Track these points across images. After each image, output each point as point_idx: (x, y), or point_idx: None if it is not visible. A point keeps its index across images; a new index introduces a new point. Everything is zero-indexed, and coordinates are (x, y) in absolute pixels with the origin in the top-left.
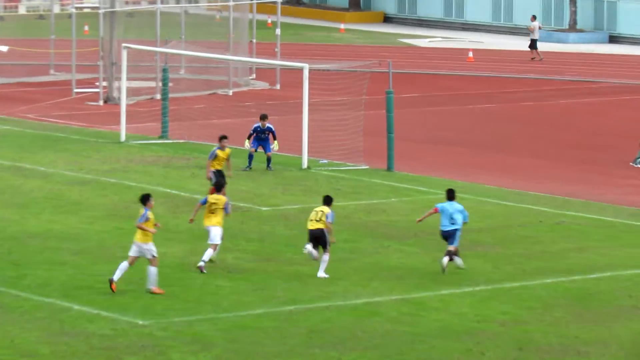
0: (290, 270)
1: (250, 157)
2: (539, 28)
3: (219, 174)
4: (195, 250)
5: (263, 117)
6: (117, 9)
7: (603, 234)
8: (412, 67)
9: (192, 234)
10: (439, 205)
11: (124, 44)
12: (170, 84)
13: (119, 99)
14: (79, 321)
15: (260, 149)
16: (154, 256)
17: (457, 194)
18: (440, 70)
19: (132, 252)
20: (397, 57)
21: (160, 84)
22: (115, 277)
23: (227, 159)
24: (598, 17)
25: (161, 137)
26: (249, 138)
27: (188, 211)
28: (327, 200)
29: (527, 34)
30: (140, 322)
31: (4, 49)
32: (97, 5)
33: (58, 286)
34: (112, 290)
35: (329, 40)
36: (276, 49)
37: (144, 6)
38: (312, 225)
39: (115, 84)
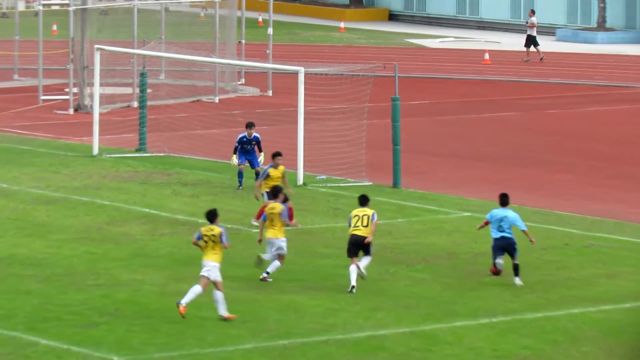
0: (283, 300)
1: (240, 174)
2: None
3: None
4: (176, 277)
5: (249, 125)
6: (89, 6)
7: (637, 258)
8: (420, 71)
9: (173, 258)
10: (488, 215)
11: (96, 45)
12: (148, 90)
13: (91, 107)
14: (47, 357)
15: (247, 163)
16: (216, 279)
17: (472, 213)
18: (453, 75)
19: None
20: (404, 60)
21: (137, 90)
22: (184, 300)
23: (283, 177)
24: (629, 14)
25: (138, 150)
26: (235, 152)
27: (168, 233)
28: (365, 200)
29: (549, 34)
30: (116, 359)
31: None
32: (66, 2)
33: (23, 318)
34: (182, 315)
35: (327, 40)
36: (268, 51)
37: (119, 3)
38: (358, 231)
39: (87, 90)
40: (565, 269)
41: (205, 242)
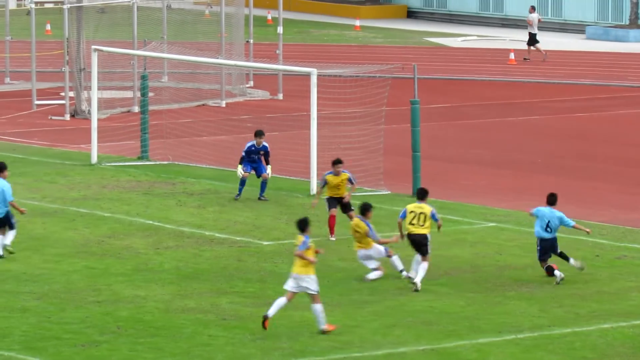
0: (296, 316)
1: (242, 183)
2: (539, 21)
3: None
4: (182, 293)
5: (258, 134)
6: (86, 4)
7: None
8: (441, 72)
9: (178, 273)
10: (535, 210)
11: (94, 46)
12: (150, 94)
13: (89, 112)
14: None
15: (252, 172)
16: (314, 292)
17: (497, 223)
18: (476, 76)
19: (290, 286)
20: (424, 60)
21: (138, 94)
22: (271, 312)
23: (346, 183)
24: None
25: (140, 158)
26: (241, 162)
27: (173, 246)
28: (423, 194)
29: (579, 32)
30: None
31: None
32: None
33: (19, 337)
34: (264, 328)
35: (341, 39)
36: (278, 51)
37: (118, 0)
38: (417, 230)
39: (84, 94)
40: (595, 282)
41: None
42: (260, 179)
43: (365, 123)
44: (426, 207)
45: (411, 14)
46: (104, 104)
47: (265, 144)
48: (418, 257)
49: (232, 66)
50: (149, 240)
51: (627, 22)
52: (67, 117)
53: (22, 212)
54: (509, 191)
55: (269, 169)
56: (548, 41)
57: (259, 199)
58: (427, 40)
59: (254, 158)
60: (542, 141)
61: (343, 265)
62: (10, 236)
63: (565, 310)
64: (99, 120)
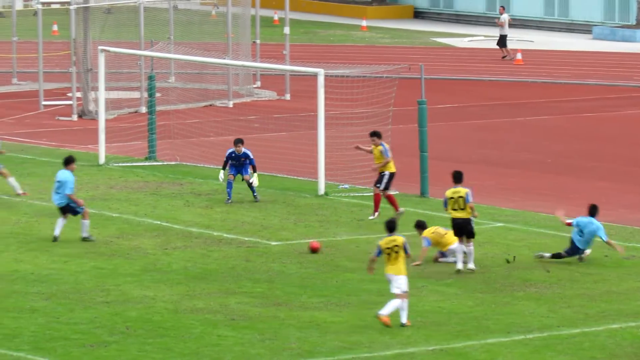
0: (305, 317)
1: (229, 185)
2: (509, 21)
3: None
4: (190, 293)
5: (236, 142)
6: (92, 4)
7: None
8: (448, 72)
9: (187, 273)
10: (575, 221)
11: (100, 47)
12: (157, 95)
13: (96, 113)
14: None
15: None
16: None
17: (506, 223)
18: (483, 76)
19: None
20: (431, 60)
21: (145, 94)
22: (386, 311)
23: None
24: None
25: (148, 159)
26: (223, 168)
27: (182, 247)
28: (460, 176)
29: (585, 31)
30: None
31: None
32: (67, 0)
33: (28, 337)
34: (386, 324)
35: (348, 40)
36: (285, 52)
37: (124, 1)
38: (458, 214)
39: (92, 95)
40: (604, 282)
41: (388, 254)
42: (246, 181)
43: (373, 123)
44: (462, 190)
45: (418, 14)
46: (111, 104)
47: (246, 151)
48: (459, 246)
49: (239, 66)
50: (157, 241)
51: (634, 23)
52: (75, 117)
53: (79, 205)
54: (517, 191)
55: (255, 178)
56: (555, 41)
57: (254, 199)
58: (434, 41)
59: (239, 162)
60: (550, 141)
61: (351, 265)
62: (84, 226)
63: (574, 311)
64: (106, 120)
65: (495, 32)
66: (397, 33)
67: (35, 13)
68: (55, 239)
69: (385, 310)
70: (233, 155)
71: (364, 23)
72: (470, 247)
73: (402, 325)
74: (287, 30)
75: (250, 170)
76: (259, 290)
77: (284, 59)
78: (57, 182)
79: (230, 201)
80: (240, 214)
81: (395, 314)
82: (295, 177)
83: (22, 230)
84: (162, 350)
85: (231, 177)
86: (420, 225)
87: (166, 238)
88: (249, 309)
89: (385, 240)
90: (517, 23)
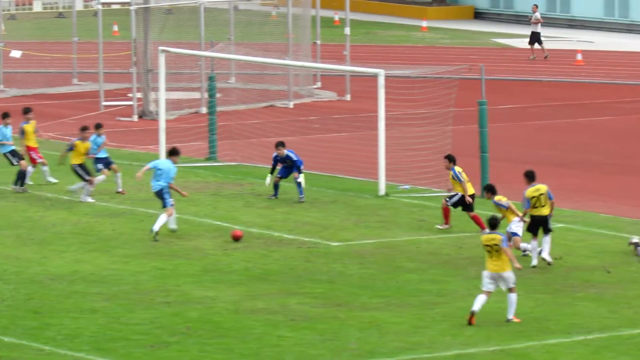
0: (365, 317)
1: (276, 186)
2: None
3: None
4: (251, 293)
5: (277, 145)
6: (152, 5)
7: None
8: (508, 73)
9: (247, 274)
10: None
11: (161, 47)
12: (218, 95)
13: (157, 113)
14: None
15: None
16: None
17: (565, 224)
18: (543, 77)
19: (487, 286)
20: (491, 61)
21: (206, 95)
22: (476, 307)
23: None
24: None
25: (208, 159)
26: (271, 172)
27: (242, 247)
28: (533, 175)
29: None
30: None
31: (17, 54)
32: (127, 0)
33: (88, 338)
34: (471, 324)
35: (408, 40)
36: (345, 52)
37: (185, 1)
38: (540, 212)
39: (152, 95)
40: None
41: (488, 252)
42: (296, 181)
43: (433, 124)
44: (542, 187)
45: (478, 15)
46: (171, 105)
47: (288, 153)
48: (534, 242)
49: (299, 67)
50: (218, 241)
51: None
52: (135, 118)
53: (183, 195)
54: (577, 192)
55: (301, 177)
56: (615, 42)
57: (299, 199)
58: (494, 41)
59: (287, 164)
60: (610, 142)
61: (412, 266)
62: (171, 221)
63: (634, 311)
64: (166, 121)
65: (555, 33)
66: (457, 34)
67: (95, 14)
68: (154, 232)
69: (511, 313)
70: (278, 158)
71: (424, 24)
72: (548, 238)
73: (508, 321)
74: (347, 30)
75: (296, 170)
76: (319, 290)
77: (344, 60)
78: (158, 169)
79: (273, 197)
80: (300, 214)
81: (486, 312)
82: (355, 178)
83: (82, 231)
84: (222, 351)
85: (277, 179)
86: (490, 189)
87: (226, 239)
88: (309, 309)
89: (486, 237)
90: (577, 24)
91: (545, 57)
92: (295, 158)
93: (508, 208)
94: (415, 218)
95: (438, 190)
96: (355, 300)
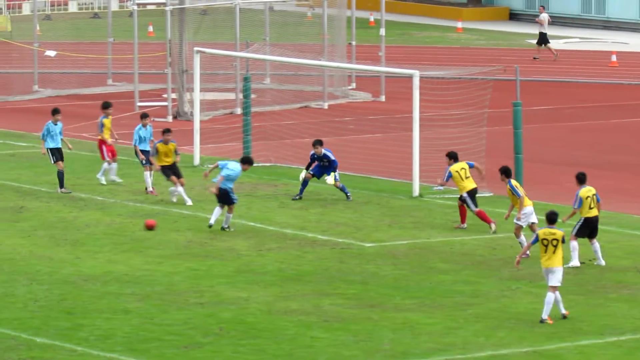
0: (399, 318)
1: (304, 183)
2: (549, 20)
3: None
4: (284, 294)
5: (314, 144)
6: (188, 5)
7: None
8: (543, 74)
9: (281, 275)
10: None
11: (196, 48)
12: (252, 96)
13: (192, 114)
14: None
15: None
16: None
17: (600, 226)
18: (578, 78)
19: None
20: (526, 62)
21: (240, 95)
22: (545, 313)
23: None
24: None
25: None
26: (306, 168)
27: (276, 248)
28: (584, 177)
29: None
30: None
31: (52, 54)
32: (163, 1)
33: (121, 338)
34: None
35: (443, 41)
36: (380, 53)
37: (220, 2)
38: (592, 213)
39: (187, 96)
40: None
41: (545, 245)
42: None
43: (467, 125)
44: (593, 189)
45: (513, 16)
46: (206, 105)
47: (326, 152)
48: (596, 242)
49: (334, 68)
50: (251, 242)
51: None
52: (170, 118)
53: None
54: (611, 193)
55: (330, 177)
56: None
57: (346, 198)
58: (529, 43)
59: (324, 164)
60: None
61: (445, 267)
62: (227, 219)
63: None
64: (201, 121)
65: (590, 34)
66: (492, 35)
67: (130, 14)
68: (210, 226)
69: (545, 313)
70: (315, 157)
71: (459, 25)
72: (596, 243)
73: (564, 317)
74: (382, 31)
75: (332, 171)
76: (352, 291)
77: (379, 61)
78: (227, 169)
79: (297, 198)
80: (334, 215)
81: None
82: (389, 179)
83: (115, 231)
84: (255, 352)
85: (309, 175)
86: (505, 172)
87: (260, 239)
88: (343, 310)
89: (544, 231)
90: (612, 25)
91: (555, 58)
92: (332, 158)
93: (521, 198)
94: (449, 219)
95: None
96: (389, 301)
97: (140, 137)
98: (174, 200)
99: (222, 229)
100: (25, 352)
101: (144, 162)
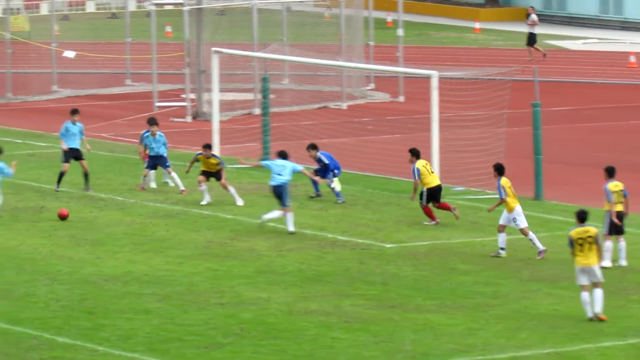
0: (419, 319)
1: (313, 182)
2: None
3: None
4: (305, 295)
5: (308, 148)
6: (205, 5)
7: None
8: (562, 75)
9: (301, 275)
10: None
11: (214, 48)
12: (271, 96)
13: (210, 114)
14: None
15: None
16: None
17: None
18: (596, 79)
19: (581, 280)
20: (544, 63)
21: (259, 96)
22: (599, 308)
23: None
24: None
25: (262, 160)
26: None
27: (296, 248)
28: (613, 171)
29: None
30: None
31: (71, 54)
32: (180, 1)
33: (142, 338)
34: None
35: (461, 42)
36: (398, 54)
37: (237, 2)
38: (617, 208)
39: (205, 96)
40: None
41: (580, 244)
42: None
43: (486, 126)
44: (621, 185)
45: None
46: (225, 106)
47: (321, 156)
48: (622, 241)
49: (352, 68)
50: (272, 242)
51: None
52: (189, 119)
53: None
54: (631, 194)
55: (335, 181)
56: None
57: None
58: (547, 43)
59: (320, 168)
60: None
61: (466, 267)
62: (289, 220)
63: None
64: (220, 122)
65: (608, 35)
66: (510, 35)
67: (148, 14)
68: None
69: (599, 307)
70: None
71: (477, 25)
72: (622, 242)
73: (595, 315)
74: (400, 32)
75: (330, 174)
76: (373, 292)
77: (397, 61)
78: (280, 166)
79: (315, 195)
80: (354, 216)
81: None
82: (409, 180)
83: (136, 231)
84: (276, 352)
85: (315, 176)
86: (498, 169)
87: (280, 240)
88: (363, 311)
89: (577, 231)
90: (630, 26)
91: (544, 56)
92: (326, 161)
93: (502, 199)
94: (469, 220)
95: (491, 192)
96: (409, 302)
97: (145, 145)
98: (208, 200)
99: (290, 232)
100: (47, 351)
101: (167, 164)
